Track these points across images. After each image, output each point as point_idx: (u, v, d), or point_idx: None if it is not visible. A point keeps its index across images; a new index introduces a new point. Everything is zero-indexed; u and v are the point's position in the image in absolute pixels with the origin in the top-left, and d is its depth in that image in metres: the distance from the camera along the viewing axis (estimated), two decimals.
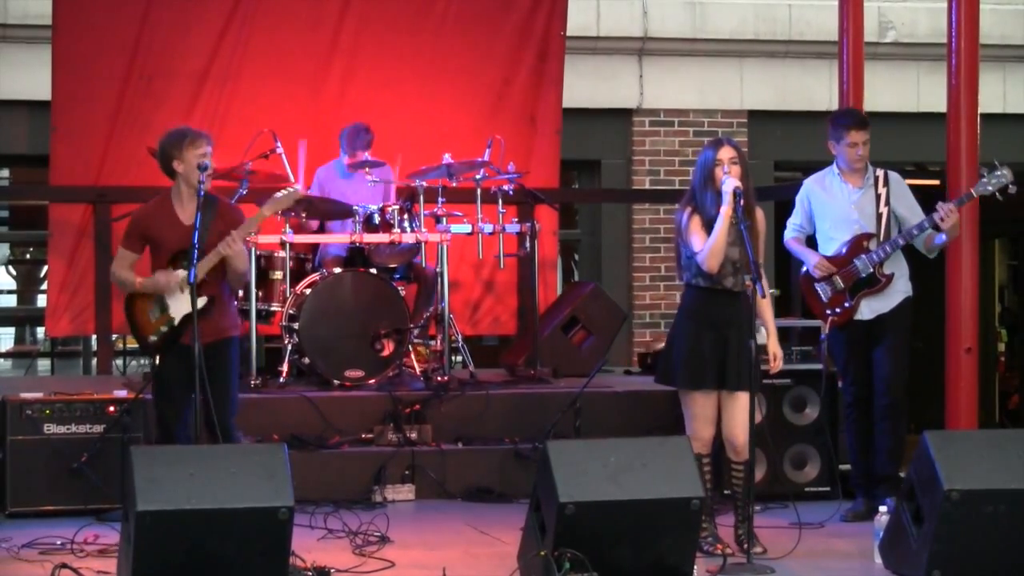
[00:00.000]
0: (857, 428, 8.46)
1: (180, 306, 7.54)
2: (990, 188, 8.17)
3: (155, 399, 7.82)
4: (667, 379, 7.52)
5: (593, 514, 6.32)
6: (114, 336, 11.84)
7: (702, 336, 7.29)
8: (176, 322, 7.59)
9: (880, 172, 8.38)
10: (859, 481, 8.48)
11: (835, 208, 8.38)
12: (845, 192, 8.37)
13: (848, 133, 8.34)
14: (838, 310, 8.34)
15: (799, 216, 8.54)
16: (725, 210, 7.16)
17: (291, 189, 7.95)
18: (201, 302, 7.47)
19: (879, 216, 8.29)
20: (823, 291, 8.40)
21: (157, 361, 7.86)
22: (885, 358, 8.29)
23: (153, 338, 7.67)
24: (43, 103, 11.68)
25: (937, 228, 8.19)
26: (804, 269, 8.52)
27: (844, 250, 8.33)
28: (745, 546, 7.11)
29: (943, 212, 8.08)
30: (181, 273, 7.50)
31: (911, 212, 8.34)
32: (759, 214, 7.43)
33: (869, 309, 8.31)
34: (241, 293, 9.14)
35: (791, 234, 8.56)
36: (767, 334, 7.43)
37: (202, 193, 7.46)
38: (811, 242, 8.59)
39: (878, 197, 8.31)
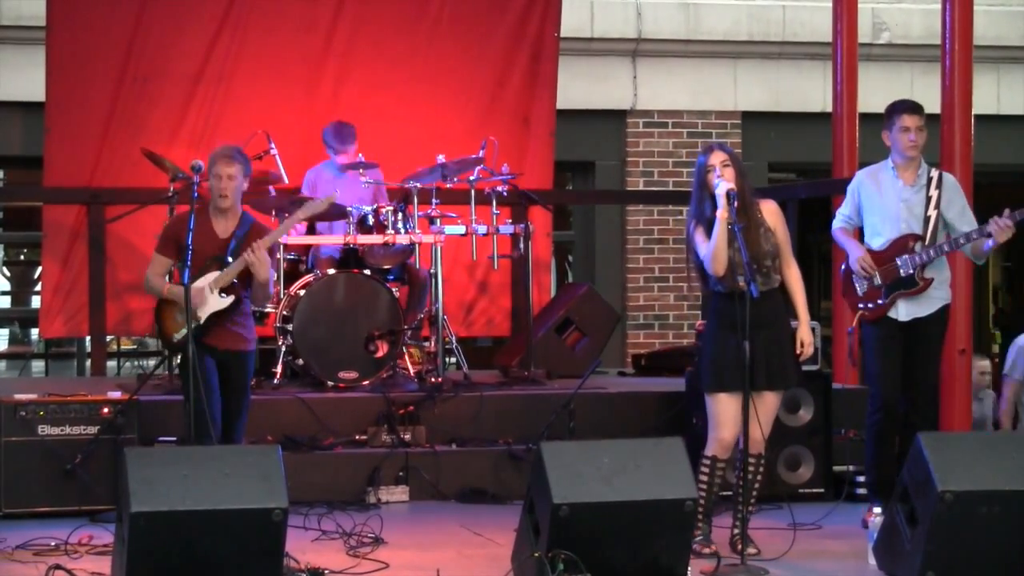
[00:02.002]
0: (879, 433, 8.23)
1: (206, 305, 7.74)
2: None
3: (186, 393, 7.63)
4: (697, 382, 7.58)
5: (587, 515, 6.32)
6: (108, 337, 11.82)
7: (727, 339, 7.26)
8: (202, 320, 7.75)
9: (935, 173, 8.19)
10: (875, 486, 8.27)
11: (884, 203, 8.20)
12: (897, 188, 8.18)
13: (900, 117, 8.12)
14: (871, 305, 8.17)
15: (848, 207, 8.35)
16: (720, 213, 7.17)
17: (327, 196, 8.29)
18: (227, 301, 7.77)
19: (927, 219, 8.12)
20: (860, 285, 8.23)
21: (178, 360, 8.08)
22: (919, 367, 8.15)
23: (178, 337, 7.83)
24: (37, 104, 11.68)
25: (988, 236, 8.04)
26: (844, 265, 8.45)
27: (888, 247, 8.17)
28: (739, 547, 7.12)
29: (997, 227, 7.91)
30: (198, 284, 7.69)
31: (961, 217, 8.16)
32: (771, 207, 7.40)
33: (906, 311, 8.14)
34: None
35: (839, 224, 8.39)
36: (799, 322, 7.44)
37: (195, 194, 7.60)
38: (860, 234, 8.42)
39: (928, 199, 8.13)
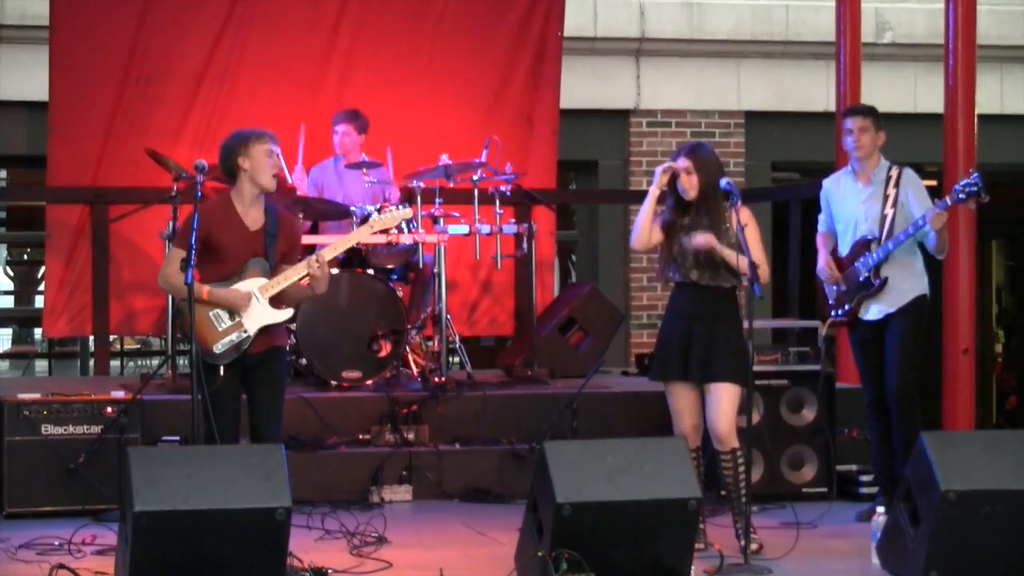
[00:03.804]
0: (875, 428, 8.37)
1: (256, 316, 7.08)
2: (962, 196, 7.93)
3: (205, 415, 6.94)
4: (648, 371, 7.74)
5: (590, 515, 6.32)
6: (111, 337, 11.81)
7: (672, 329, 7.45)
8: (251, 333, 7.08)
9: (895, 171, 8.25)
10: (880, 480, 8.41)
11: (846, 208, 8.32)
12: (856, 190, 8.29)
13: (844, 120, 8.39)
14: (840, 312, 8.32)
15: (824, 212, 8.53)
16: (653, 190, 7.35)
17: (400, 209, 7.97)
18: (284, 315, 7.17)
19: (883, 217, 8.21)
20: (831, 291, 8.39)
21: (221, 372, 7.07)
22: (892, 359, 8.19)
23: (220, 348, 7.08)
24: (40, 104, 11.68)
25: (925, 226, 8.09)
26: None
27: (850, 252, 8.29)
28: (742, 546, 7.12)
29: (930, 214, 7.95)
30: (246, 290, 7.07)
31: (921, 209, 8.13)
32: (745, 213, 7.41)
33: (877, 310, 8.22)
34: None
35: (820, 229, 8.55)
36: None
37: (199, 194, 7.24)
38: None
39: (886, 198, 8.22)
